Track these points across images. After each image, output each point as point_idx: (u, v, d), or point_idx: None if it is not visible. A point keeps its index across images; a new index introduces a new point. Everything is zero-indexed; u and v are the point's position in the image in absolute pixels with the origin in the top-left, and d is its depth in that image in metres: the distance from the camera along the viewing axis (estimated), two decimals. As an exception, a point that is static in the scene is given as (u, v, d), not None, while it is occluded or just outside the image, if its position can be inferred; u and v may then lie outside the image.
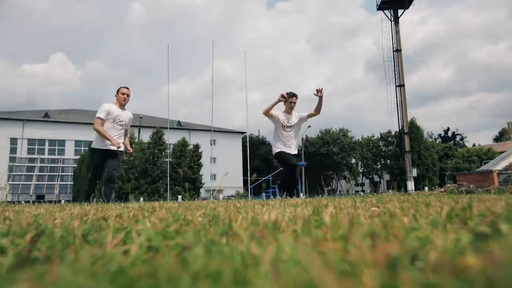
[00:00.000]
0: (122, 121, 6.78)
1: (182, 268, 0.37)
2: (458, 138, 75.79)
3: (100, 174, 6.62)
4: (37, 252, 0.68)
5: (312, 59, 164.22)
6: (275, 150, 7.48)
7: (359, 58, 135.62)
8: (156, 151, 38.84)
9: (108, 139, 6.38)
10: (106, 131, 6.43)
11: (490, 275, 0.38)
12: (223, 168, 50.31)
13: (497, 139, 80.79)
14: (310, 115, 7.60)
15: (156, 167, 37.82)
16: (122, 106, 6.83)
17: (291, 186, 7.24)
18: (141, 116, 52.00)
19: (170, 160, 38.15)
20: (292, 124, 7.44)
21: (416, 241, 0.62)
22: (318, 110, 7.43)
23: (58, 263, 0.53)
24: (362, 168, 59.75)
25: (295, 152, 7.54)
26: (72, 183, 43.56)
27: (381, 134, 56.36)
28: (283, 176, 7.62)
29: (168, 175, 32.61)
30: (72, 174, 44.41)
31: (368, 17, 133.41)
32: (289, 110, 7.42)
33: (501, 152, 38.78)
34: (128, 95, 6.82)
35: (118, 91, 6.82)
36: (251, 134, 63.95)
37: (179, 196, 27.61)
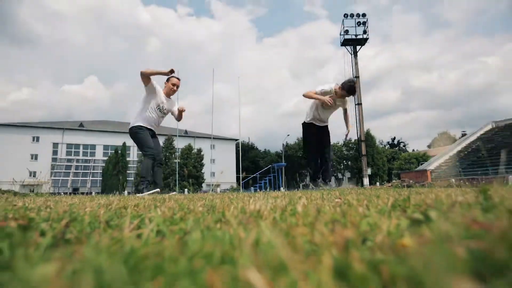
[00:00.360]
0: (165, 109, 5.18)
1: (182, 250, 0.37)
2: (401, 144, 76.53)
3: (154, 151, 4.91)
4: (70, 235, 0.66)
5: (291, 84, 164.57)
6: (306, 119, 5.65)
7: (328, 83, 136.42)
8: (167, 154, 38.56)
9: (161, 72, 4.81)
10: (154, 70, 4.83)
11: (421, 252, 0.38)
12: (220, 167, 50.38)
13: (430, 146, 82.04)
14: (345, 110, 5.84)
15: (167, 167, 37.51)
16: (168, 95, 5.25)
17: (316, 167, 5.36)
18: (156, 126, 51.98)
19: (179, 161, 37.87)
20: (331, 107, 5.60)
21: (367, 226, 0.62)
22: (346, 120, 5.79)
23: (85, 244, 0.52)
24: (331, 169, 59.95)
25: (325, 124, 5.74)
26: (101, 179, 43.25)
27: (343, 141, 56.80)
28: (306, 155, 5.35)
29: (177, 173, 32.31)
30: (101, 171, 44.10)
31: (335, 51, 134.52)
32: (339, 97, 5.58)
33: (433, 156, 39.37)
34: (177, 87, 5.28)
35: (168, 79, 5.23)
36: (243, 141, 64.09)
37: (185, 190, 27.42)
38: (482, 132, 36.23)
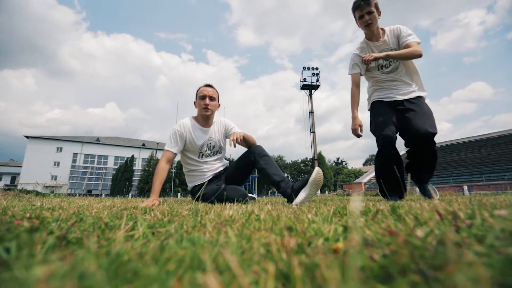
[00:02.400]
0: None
1: (160, 253, 0.34)
2: (343, 163, 78.45)
3: None
4: (72, 235, 0.61)
5: (265, 115, 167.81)
6: (371, 99, 2.43)
7: (292, 115, 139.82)
8: (166, 165, 37.62)
9: None
10: None
11: (348, 253, 0.38)
12: (207, 176, 49.78)
13: (364, 164, 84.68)
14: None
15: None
16: None
17: (391, 178, 2.13)
18: (158, 143, 50.79)
19: (174, 171, 36.90)
20: (388, 57, 2.02)
21: (312, 231, 0.62)
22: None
23: (82, 245, 0.47)
24: (291, 179, 60.06)
25: (404, 97, 2.16)
26: (110, 183, 41.45)
27: (301, 160, 57.58)
28: (377, 155, 2.30)
29: (172, 180, 31.42)
30: (111, 177, 42.36)
31: (297, 92, 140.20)
32: (368, 32, 2.11)
33: (365, 172, 40.62)
34: None
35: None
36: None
37: (178, 194, 26.64)
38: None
